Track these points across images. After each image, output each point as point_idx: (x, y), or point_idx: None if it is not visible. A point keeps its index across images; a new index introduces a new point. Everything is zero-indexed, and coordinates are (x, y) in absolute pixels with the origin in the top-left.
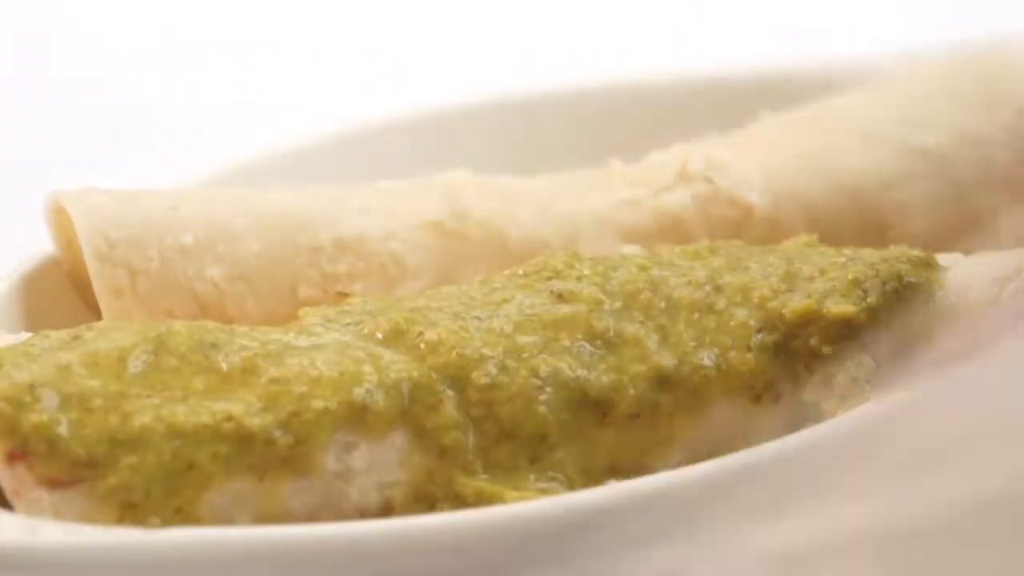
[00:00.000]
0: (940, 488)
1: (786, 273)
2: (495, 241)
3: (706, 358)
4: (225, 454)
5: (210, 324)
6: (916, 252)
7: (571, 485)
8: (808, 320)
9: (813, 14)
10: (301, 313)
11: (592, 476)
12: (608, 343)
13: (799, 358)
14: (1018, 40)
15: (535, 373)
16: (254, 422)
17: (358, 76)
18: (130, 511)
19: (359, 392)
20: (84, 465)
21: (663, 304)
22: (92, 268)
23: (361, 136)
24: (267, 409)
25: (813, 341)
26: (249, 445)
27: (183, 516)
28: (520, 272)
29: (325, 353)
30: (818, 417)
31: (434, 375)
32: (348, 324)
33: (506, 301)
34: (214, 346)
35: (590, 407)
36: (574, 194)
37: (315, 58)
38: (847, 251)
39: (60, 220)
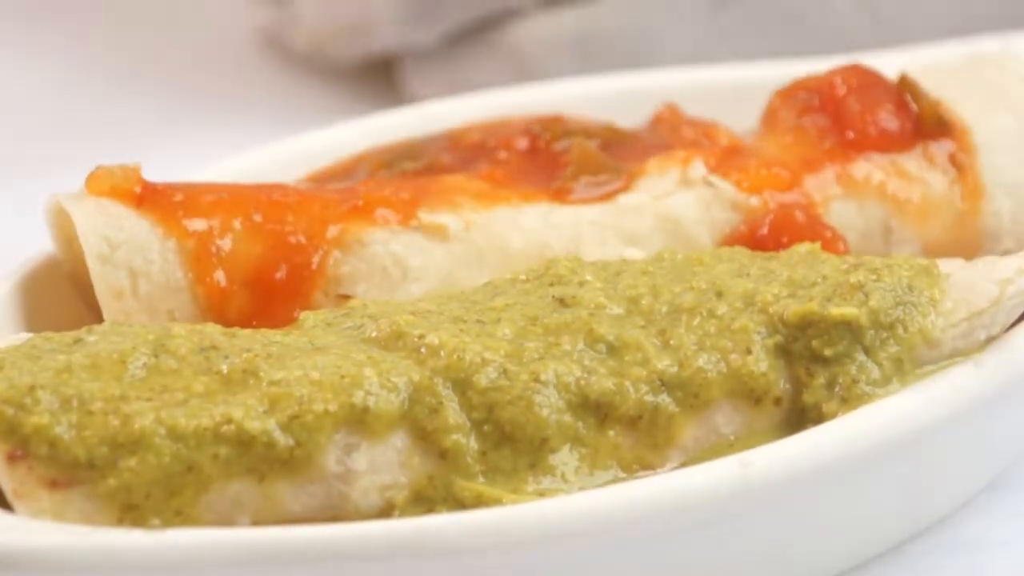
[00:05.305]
0: None
1: (788, 279)
2: (497, 245)
3: (707, 361)
4: (225, 456)
5: (210, 327)
6: (918, 259)
7: (570, 488)
8: (809, 322)
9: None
10: (302, 316)
11: (592, 479)
12: (609, 347)
13: (800, 361)
14: (1018, 43)
15: (536, 377)
16: (254, 425)
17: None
18: (130, 512)
19: (359, 394)
20: (84, 466)
21: (665, 309)
22: (93, 269)
23: (362, 136)
24: (268, 412)
25: (814, 343)
26: (249, 447)
27: (183, 518)
28: (522, 277)
29: (326, 356)
30: (819, 419)
31: (435, 378)
32: (349, 327)
33: (508, 305)
34: (214, 348)
35: (591, 410)
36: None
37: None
38: (849, 257)
39: (61, 221)
